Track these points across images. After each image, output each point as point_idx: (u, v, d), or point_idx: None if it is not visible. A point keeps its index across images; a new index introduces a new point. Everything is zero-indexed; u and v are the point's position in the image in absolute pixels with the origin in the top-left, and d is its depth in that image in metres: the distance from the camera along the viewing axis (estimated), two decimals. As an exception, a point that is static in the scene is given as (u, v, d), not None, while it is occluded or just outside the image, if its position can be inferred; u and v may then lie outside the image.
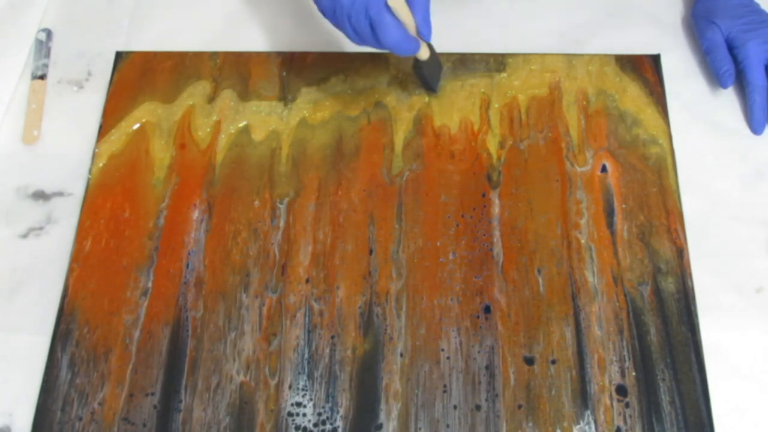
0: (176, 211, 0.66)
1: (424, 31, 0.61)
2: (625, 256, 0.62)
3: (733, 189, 0.66)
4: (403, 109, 0.70)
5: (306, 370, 0.59)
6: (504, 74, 0.71)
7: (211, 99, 0.71)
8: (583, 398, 0.57)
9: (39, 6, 0.77)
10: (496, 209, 0.65)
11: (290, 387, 0.59)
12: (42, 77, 0.73)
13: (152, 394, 0.58)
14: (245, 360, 0.60)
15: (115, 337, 0.61)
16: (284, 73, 0.72)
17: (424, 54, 0.65)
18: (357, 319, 0.61)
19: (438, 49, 0.72)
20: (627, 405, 0.57)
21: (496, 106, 0.70)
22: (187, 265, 0.63)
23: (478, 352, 0.59)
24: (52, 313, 0.62)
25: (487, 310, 0.61)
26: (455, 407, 0.58)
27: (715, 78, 0.69)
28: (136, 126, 0.70)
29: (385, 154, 0.68)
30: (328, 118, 0.70)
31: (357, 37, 0.60)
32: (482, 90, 0.70)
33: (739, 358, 0.59)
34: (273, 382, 0.59)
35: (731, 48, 0.69)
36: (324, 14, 0.60)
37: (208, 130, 0.69)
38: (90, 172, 0.68)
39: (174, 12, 0.77)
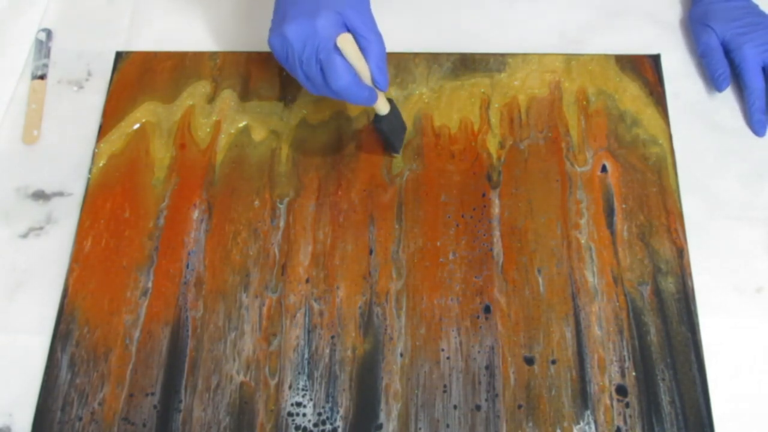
0: (176, 211, 0.66)
1: (379, 80, 0.58)
2: (625, 256, 0.62)
3: (733, 189, 0.66)
4: (403, 109, 0.70)
5: (306, 370, 0.59)
6: (504, 74, 0.71)
7: (211, 99, 0.71)
8: (583, 398, 0.57)
9: (39, 6, 0.77)
10: (496, 209, 0.65)
11: (290, 387, 0.59)
12: (42, 77, 0.73)
13: (152, 394, 0.58)
14: (245, 360, 0.60)
15: (115, 337, 0.61)
16: (284, 73, 0.72)
17: (383, 108, 0.62)
18: (357, 319, 0.61)
19: (438, 49, 0.72)
20: (627, 405, 0.57)
21: (496, 106, 0.70)
22: (187, 265, 0.63)
23: (478, 352, 0.59)
24: (52, 313, 0.62)
25: (487, 310, 0.61)
26: (455, 407, 0.58)
27: (711, 81, 0.70)
28: (136, 126, 0.70)
29: (385, 153, 0.68)
30: (328, 118, 0.70)
31: (310, 83, 0.58)
32: (482, 90, 0.70)
33: (739, 359, 0.59)
34: (273, 382, 0.59)
35: (728, 51, 0.69)
36: (278, 60, 0.59)
37: (208, 130, 0.69)
38: (90, 172, 0.68)
39: (174, 12, 0.77)
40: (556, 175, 0.66)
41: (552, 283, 0.61)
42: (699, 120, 0.69)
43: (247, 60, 0.73)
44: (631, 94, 0.70)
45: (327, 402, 0.58)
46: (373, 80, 0.58)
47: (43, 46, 0.75)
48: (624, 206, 0.64)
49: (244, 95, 0.71)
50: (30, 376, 0.59)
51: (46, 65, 0.74)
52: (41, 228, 0.66)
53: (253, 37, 0.75)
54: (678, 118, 0.69)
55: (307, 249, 0.64)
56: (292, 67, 0.58)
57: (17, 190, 0.68)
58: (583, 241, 0.63)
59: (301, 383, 0.59)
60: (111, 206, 0.66)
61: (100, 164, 0.68)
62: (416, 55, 0.72)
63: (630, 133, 0.68)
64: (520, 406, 0.57)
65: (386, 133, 0.64)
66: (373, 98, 0.60)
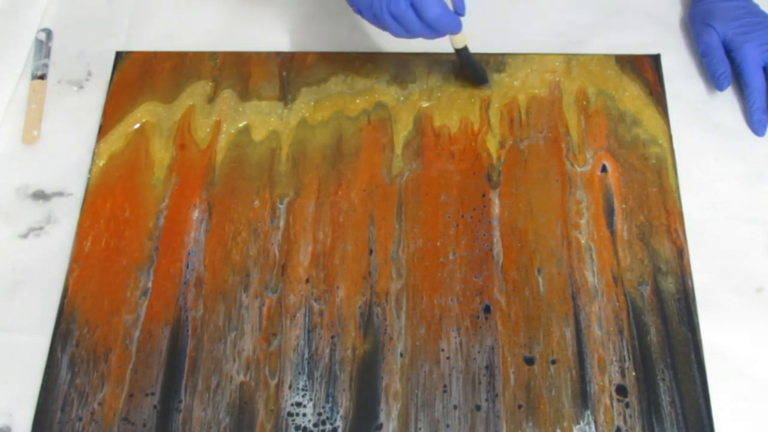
0: (176, 211, 0.66)
1: (459, 5, 0.61)
2: (625, 256, 0.62)
3: (733, 189, 0.66)
4: (403, 109, 0.70)
5: (306, 370, 0.59)
6: (504, 74, 0.71)
7: (211, 99, 0.71)
8: (583, 398, 0.57)
9: (39, 6, 0.77)
10: (496, 209, 0.65)
11: (290, 387, 0.59)
12: (42, 77, 0.73)
13: (152, 394, 0.58)
14: (245, 360, 0.60)
15: (115, 337, 0.61)
16: (284, 73, 0.72)
17: (462, 39, 0.64)
18: (357, 319, 0.61)
19: (438, 49, 0.72)
20: (627, 405, 0.57)
21: (496, 106, 0.70)
22: (187, 265, 0.63)
23: (478, 352, 0.59)
24: (52, 313, 0.62)
25: (487, 310, 0.61)
26: (455, 407, 0.58)
27: (712, 81, 0.70)
28: (136, 126, 0.70)
29: (385, 154, 0.68)
30: (328, 118, 0.70)
31: (397, 24, 0.59)
32: (482, 90, 0.70)
33: (739, 358, 0.59)
34: (273, 382, 0.59)
35: (729, 51, 0.69)
36: (361, 13, 0.59)
37: (208, 130, 0.69)
38: (90, 172, 0.68)
39: (174, 12, 0.77)
40: (556, 175, 0.66)
41: (552, 283, 0.61)
42: (699, 120, 0.69)
43: (247, 60, 0.73)
44: (631, 94, 0.70)
45: (327, 402, 0.58)
46: (455, 6, 0.60)
47: (43, 46, 0.75)
48: (624, 206, 0.64)
49: (244, 95, 0.71)
50: (30, 376, 0.59)
51: (46, 65, 0.74)
52: (41, 228, 0.66)
53: (253, 37, 0.75)
54: (678, 118, 0.69)
55: (307, 249, 0.64)
56: (378, 11, 0.58)
57: (17, 190, 0.68)
58: (583, 241, 0.63)
59: (301, 383, 0.59)
60: (111, 206, 0.66)
61: (100, 164, 0.68)
62: (416, 55, 0.72)
63: (630, 133, 0.68)
64: (520, 406, 0.57)
65: (476, 63, 0.67)
66: (460, 25, 0.61)
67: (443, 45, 0.73)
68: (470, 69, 0.69)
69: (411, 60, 0.72)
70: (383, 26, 0.59)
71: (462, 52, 0.66)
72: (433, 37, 0.60)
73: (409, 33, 0.59)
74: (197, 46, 0.74)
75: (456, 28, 0.61)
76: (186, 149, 0.69)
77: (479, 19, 0.75)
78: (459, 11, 0.61)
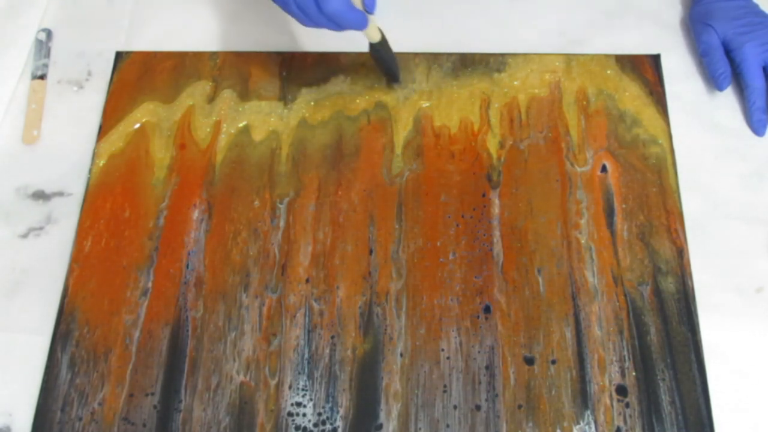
0: (176, 211, 0.66)
1: (369, 3, 0.60)
2: (625, 256, 0.62)
3: (733, 189, 0.66)
4: (403, 109, 0.70)
5: (306, 370, 0.59)
6: (504, 74, 0.71)
7: (211, 99, 0.71)
8: (583, 398, 0.57)
9: (39, 6, 0.77)
10: (496, 209, 0.65)
11: (290, 387, 0.59)
12: (42, 77, 0.73)
13: (152, 394, 0.58)
14: (245, 360, 0.60)
15: (115, 337, 0.61)
16: (284, 73, 0.72)
17: (375, 35, 0.64)
18: (357, 319, 0.61)
19: (439, 50, 0.73)
20: (627, 405, 0.57)
21: (496, 106, 0.70)
22: (187, 265, 0.63)
23: (478, 352, 0.59)
24: (52, 313, 0.62)
25: (487, 310, 0.61)
26: (455, 407, 0.58)
27: (711, 81, 0.70)
28: (136, 126, 0.70)
29: (385, 154, 0.68)
30: (328, 118, 0.70)
31: (302, 13, 0.59)
32: (482, 90, 0.70)
33: (739, 358, 0.59)
34: (273, 382, 0.59)
35: (729, 50, 0.69)
36: None
37: (208, 130, 0.69)
38: (90, 172, 0.68)
39: (174, 12, 0.77)
40: (556, 175, 0.66)
41: (552, 283, 0.61)
42: (699, 120, 0.69)
43: (247, 60, 0.73)
44: (631, 94, 0.70)
45: (327, 402, 0.58)
46: (364, 3, 0.60)
47: (43, 46, 0.75)
48: (624, 206, 0.64)
49: (244, 95, 0.71)
50: (30, 376, 0.60)
51: (46, 65, 0.74)
52: (41, 228, 0.66)
53: (253, 37, 0.75)
54: (678, 118, 0.69)
55: (307, 249, 0.64)
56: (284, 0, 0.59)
57: (17, 190, 0.68)
58: (583, 241, 0.63)
59: (301, 383, 0.59)
60: (111, 206, 0.66)
61: (100, 164, 0.68)
62: (416, 55, 0.72)
63: (630, 133, 0.68)
64: (520, 406, 0.57)
65: (386, 60, 0.67)
66: (365, 22, 0.61)
67: (443, 45, 0.73)
68: (381, 65, 0.69)
69: (411, 60, 0.72)
70: (290, 13, 0.59)
71: (375, 47, 0.65)
72: (339, 30, 0.60)
73: (314, 23, 0.59)
74: (197, 46, 0.74)
75: (359, 25, 0.60)
76: (186, 149, 0.69)
77: (480, 19, 0.75)
78: (368, 9, 0.61)
